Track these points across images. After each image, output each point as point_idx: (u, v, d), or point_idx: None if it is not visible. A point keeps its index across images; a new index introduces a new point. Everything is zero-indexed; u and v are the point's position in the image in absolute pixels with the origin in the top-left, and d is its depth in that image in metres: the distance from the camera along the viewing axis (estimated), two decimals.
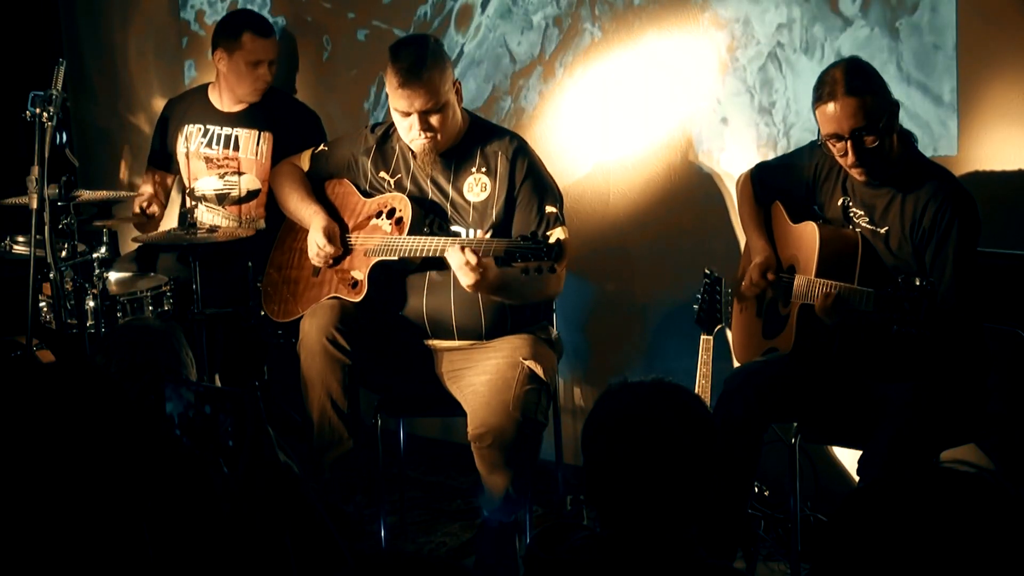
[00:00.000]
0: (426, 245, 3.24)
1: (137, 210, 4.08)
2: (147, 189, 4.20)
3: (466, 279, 3.10)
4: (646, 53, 3.72)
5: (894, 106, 2.91)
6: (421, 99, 3.22)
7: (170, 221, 4.25)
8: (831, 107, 2.87)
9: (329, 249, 3.42)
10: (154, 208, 4.10)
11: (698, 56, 3.63)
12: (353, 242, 3.46)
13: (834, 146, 2.92)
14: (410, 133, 3.30)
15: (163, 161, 4.27)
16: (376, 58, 4.21)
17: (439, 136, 3.30)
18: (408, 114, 3.27)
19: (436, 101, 3.24)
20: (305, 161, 3.65)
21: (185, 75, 4.80)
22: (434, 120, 3.26)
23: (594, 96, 3.84)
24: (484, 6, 4.03)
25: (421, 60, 3.22)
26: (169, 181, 4.31)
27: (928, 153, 3.11)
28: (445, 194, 3.38)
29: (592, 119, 3.86)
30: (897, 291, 2.64)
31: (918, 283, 2.61)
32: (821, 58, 3.42)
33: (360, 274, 3.39)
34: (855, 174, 2.96)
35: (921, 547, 1.16)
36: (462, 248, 3.09)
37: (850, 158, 2.90)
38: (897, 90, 3.08)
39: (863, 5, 3.35)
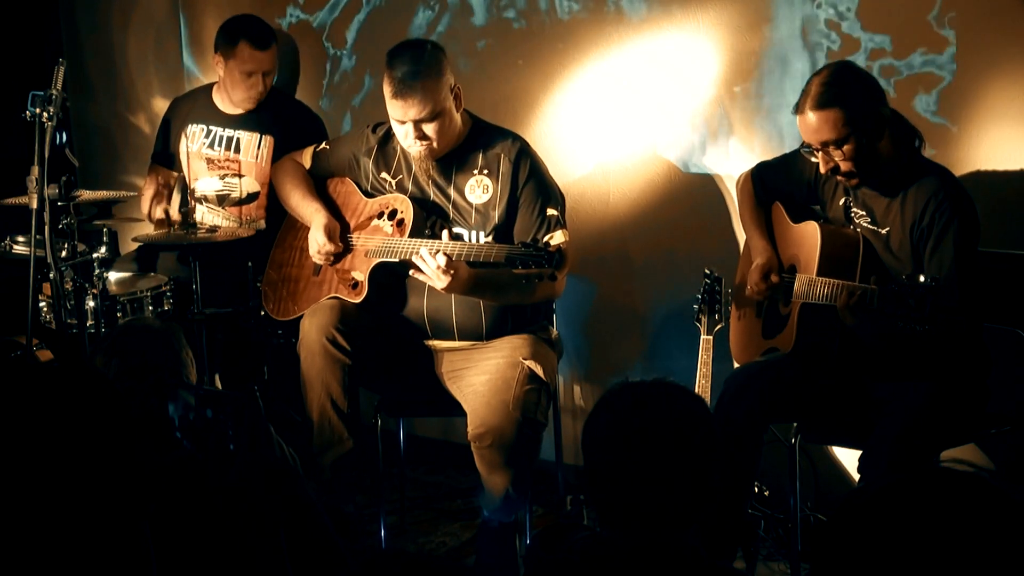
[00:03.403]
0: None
1: (145, 209, 4.13)
2: (150, 191, 4.21)
3: (438, 283, 3.11)
4: (647, 53, 3.72)
5: (879, 115, 2.88)
6: (415, 108, 3.20)
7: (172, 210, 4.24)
8: (801, 119, 2.91)
9: (329, 247, 3.42)
10: (161, 211, 4.11)
11: (699, 56, 3.63)
12: (354, 242, 3.46)
13: (813, 154, 2.94)
14: (406, 140, 3.29)
15: (166, 159, 4.27)
16: None
17: (435, 144, 3.28)
18: (403, 122, 3.26)
19: (431, 110, 3.21)
20: (307, 158, 3.64)
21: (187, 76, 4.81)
22: (428, 129, 3.25)
23: (595, 96, 3.84)
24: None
25: (416, 69, 3.19)
26: (172, 179, 4.32)
27: (927, 153, 3.11)
28: (447, 196, 3.38)
29: (592, 119, 3.86)
30: (902, 288, 2.65)
31: (922, 280, 2.61)
32: (823, 59, 3.42)
33: (361, 275, 3.39)
34: (840, 180, 2.98)
35: (920, 547, 1.16)
36: (432, 253, 3.10)
37: (823, 167, 2.93)
38: None
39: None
